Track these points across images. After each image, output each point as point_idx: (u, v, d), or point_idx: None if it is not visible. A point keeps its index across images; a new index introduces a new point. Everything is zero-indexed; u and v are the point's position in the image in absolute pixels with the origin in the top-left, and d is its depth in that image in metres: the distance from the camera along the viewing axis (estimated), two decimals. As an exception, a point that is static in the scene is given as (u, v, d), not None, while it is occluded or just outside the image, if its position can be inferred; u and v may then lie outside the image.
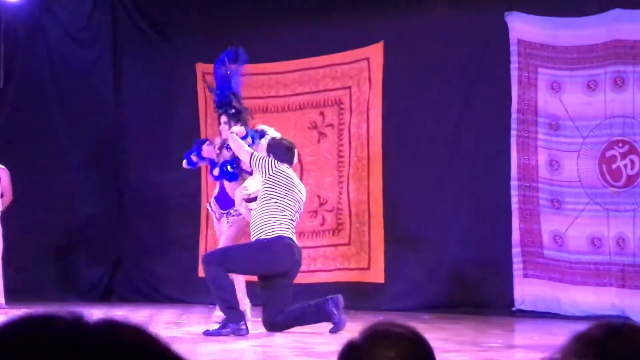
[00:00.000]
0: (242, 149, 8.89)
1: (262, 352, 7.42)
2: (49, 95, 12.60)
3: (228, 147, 9.41)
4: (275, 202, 8.43)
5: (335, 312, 8.27)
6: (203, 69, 11.91)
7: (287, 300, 8.45)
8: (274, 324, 8.47)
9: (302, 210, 8.79)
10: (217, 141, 9.62)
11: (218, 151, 9.58)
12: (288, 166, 8.65)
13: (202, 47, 11.74)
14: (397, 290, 10.64)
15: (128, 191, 12.32)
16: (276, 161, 8.53)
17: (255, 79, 11.71)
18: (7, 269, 10.90)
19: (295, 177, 8.77)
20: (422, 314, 9.93)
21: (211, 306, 10.71)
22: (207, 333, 8.23)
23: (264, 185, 8.51)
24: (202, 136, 11.99)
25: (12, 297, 11.03)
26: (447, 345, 7.18)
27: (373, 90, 11.02)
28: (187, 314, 10.36)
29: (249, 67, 11.70)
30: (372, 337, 1.63)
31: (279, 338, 8.14)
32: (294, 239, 8.51)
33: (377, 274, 10.89)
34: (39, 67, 12.61)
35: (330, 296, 8.38)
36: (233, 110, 9.37)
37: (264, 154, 8.64)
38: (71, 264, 12.37)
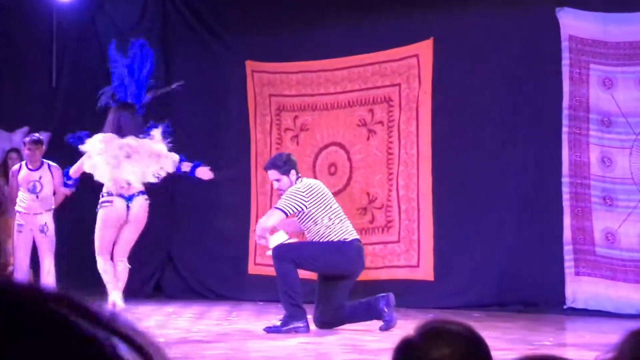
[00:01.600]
0: (270, 217, 8.68)
1: (313, 350, 7.43)
2: (101, 94, 12.69)
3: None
4: (330, 219, 8.49)
5: (386, 309, 8.29)
6: (253, 66, 11.96)
7: (343, 300, 8.47)
8: (326, 322, 8.49)
9: None
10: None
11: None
12: (301, 176, 8.70)
13: (252, 44, 11.79)
14: (446, 287, 10.60)
15: (178, 189, 12.36)
16: (298, 186, 8.52)
17: (304, 77, 11.74)
18: (59, 265, 11.00)
19: (314, 180, 8.90)
20: (473, 312, 9.88)
21: (261, 303, 10.76)
22: (268, 330, 8.26)
23: (310, 214, 8.48)
24: (252, 134, 12.01)
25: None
26: (498, 344, 7.14)
27: (422, 88, 10.97)
28: (237, 311, 10.39)
29: (298, 65, 11.75)
30: (428, 334, 1.63)
31: (330, 335, 8.16)
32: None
33: (426, 272, 10.86)
34: (91, 66, 12.69)
35: (381, 294, 8.40)
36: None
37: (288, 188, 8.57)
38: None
